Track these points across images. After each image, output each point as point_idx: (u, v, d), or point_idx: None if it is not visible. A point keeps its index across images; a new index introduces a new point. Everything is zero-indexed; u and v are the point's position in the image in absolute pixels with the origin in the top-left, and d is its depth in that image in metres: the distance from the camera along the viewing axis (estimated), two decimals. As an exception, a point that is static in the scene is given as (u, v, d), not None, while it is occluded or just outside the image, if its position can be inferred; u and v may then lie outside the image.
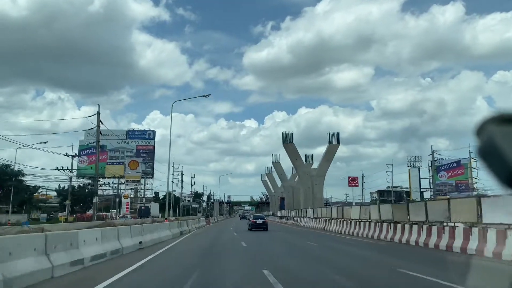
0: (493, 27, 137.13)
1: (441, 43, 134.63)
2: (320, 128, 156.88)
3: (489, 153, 1.01)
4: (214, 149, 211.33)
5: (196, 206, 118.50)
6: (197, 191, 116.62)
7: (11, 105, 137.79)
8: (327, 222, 32.53)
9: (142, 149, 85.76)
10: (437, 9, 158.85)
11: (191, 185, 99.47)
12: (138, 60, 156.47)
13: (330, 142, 49.57)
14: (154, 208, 71.11)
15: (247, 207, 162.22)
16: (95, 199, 37.58)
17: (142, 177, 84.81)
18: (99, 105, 40.58)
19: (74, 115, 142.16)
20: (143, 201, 68.95)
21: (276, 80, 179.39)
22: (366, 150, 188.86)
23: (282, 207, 69.47)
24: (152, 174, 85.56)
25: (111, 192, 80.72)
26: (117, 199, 58.62)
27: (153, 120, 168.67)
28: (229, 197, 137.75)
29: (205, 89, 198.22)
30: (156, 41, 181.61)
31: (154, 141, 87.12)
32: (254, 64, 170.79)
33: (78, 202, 50.45)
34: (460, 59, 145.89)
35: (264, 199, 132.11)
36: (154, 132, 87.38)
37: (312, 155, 64.68)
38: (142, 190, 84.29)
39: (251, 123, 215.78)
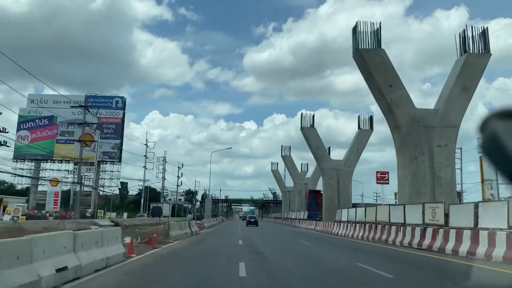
0: (496, 32, 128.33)
1: (444, 48, 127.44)
2: (319, 131, 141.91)
3: (492, 148, 1.01)
4: (213, 150, 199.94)
5: (188, 205, 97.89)
6: (189, 189, 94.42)
7: (10, 102, 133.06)
8: None
9: (106, 122, 61.67)
10: (440, 14, 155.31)
11: (178, 177, 75.46)
12: (139, 59, 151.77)
13: (464, 51, 21.61)
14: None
15: (245, 209, 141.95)
16: None
17: (105, 161, 60.75)
18: None
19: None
20: (78, 187, 44.94)
21: (277, 82, 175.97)
22: (364, 154, 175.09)
23: (312, 206, 43.25)
24: (120, 157, 61.49)
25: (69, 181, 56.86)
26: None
27: (152, 120, 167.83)
28: (226, 197, 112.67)
29: (206, 89, 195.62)
30: (157, 40, 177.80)
31: (124, 112, 63.08)
32: (255, 66, 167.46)
33: None
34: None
35: (272, 197, 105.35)
36: (123, 99, 63.33)
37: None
38: (104, 178, 60.38)
39: (250, 125, 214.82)
